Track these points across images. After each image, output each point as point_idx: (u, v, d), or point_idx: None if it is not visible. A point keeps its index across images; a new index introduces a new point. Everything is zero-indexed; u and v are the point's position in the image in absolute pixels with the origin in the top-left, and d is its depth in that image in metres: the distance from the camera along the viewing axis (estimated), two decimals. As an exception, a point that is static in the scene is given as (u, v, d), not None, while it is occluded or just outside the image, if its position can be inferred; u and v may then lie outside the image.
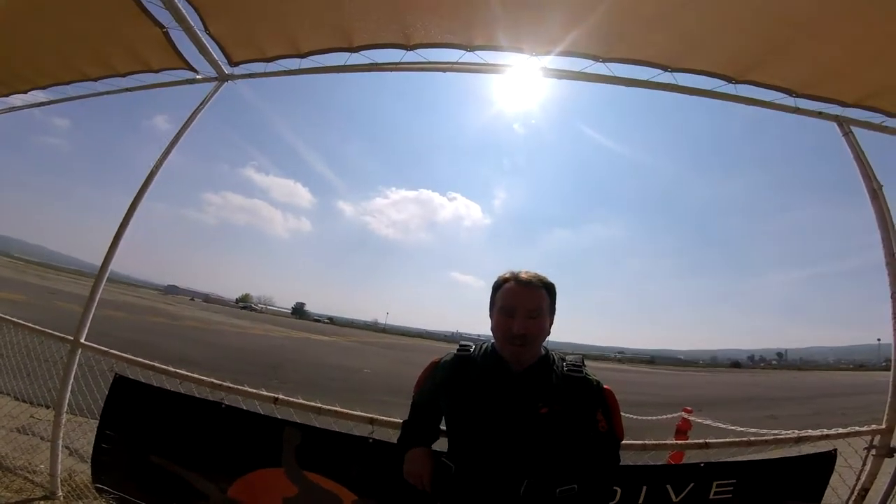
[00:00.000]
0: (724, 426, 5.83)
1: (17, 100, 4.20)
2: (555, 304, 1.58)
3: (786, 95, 2.65)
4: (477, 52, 2.66)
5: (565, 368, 1.54)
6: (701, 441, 2.51)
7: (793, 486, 2.47)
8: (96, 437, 2.63)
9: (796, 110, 2.75)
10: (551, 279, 1.59)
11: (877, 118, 2.72)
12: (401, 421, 1.97)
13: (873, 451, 2.60)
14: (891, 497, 2.61)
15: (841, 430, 2.64)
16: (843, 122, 2.83)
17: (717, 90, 2.66)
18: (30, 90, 3.81)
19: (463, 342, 1.69)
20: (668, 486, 2.26)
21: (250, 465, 2.37)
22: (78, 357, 2.97)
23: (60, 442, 2.92)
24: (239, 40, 2.86)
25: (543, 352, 1.58)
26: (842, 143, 2.87)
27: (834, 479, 2.55)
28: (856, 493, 2.61)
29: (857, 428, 2.66)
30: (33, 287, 29.24)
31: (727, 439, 2.56)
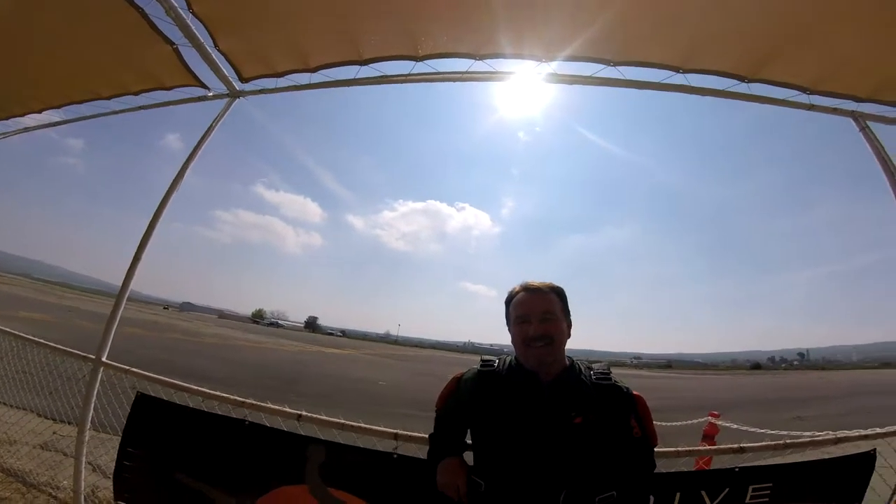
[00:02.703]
0: (751, 429, 5.69)
1: (31, 120, 4.26)
2: (567, 307, 1.62)
3: (799, 92, 2.62)
4: (486, 61, 2.65)
5: (594, 377, 1.54)
6: (735, 445, 2.43)
7: (832, 488, 2.40)
8: (118, 454, 2.63)
9: (811, 107, 2.71)
10: (566, 286, 1.62)
11: (893, 112, 2.68)
12: (426, 435, 1.94)
13: None
14: None
15: (879, 430, 2.57)
16: (858, 118, 2.78)
17: (730, 90, 2.63)
18: (43, 110, 3.85)
19: (485, 357, 1.70)
20: (703, 492, 2.20)
21: (274, 482, 2.35)
22: (100, 375, 2.98)
23: (84, 458, 2.93)
24: (249, 56, 2.88)
25: (568, 361, 1.58)
26: (858, 138, 2.83)
27: (874, 479, 2.48)
28: None
29: None
30: (53, 306, 29.93)
31: (762, 443, 2.48)
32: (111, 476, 2.69)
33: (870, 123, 2.79)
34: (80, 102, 3.57)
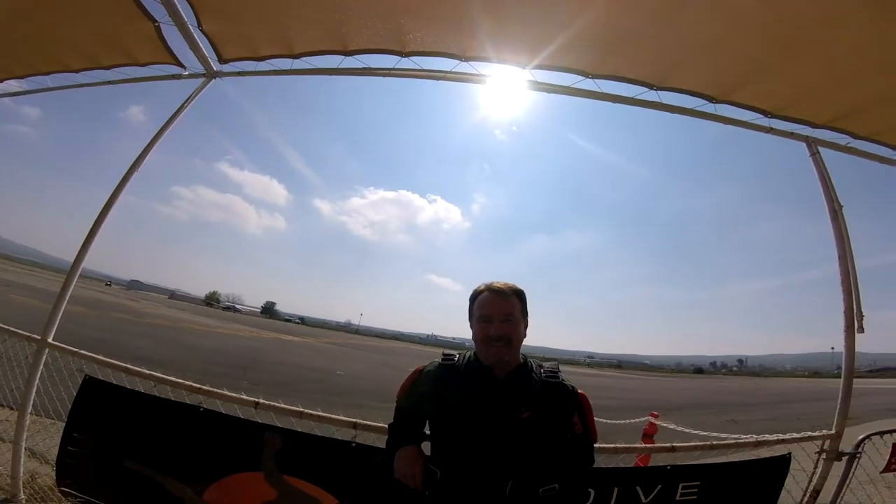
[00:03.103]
0: (687, 430, 6.10)
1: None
2: (526, 309, 1.71)
3: (761, 116, 2.79)
4: (471, 63, 2.70)
5: (543, 375, 1.64)
6: (668, 445, 2.63)
7: (752, 487, 2.62)
8: (62, 438, 2.52)
9: (770, 130, 2.90)
10: (528, 285, 1.73)
11: (843, 139, 2.88)
12: (385, 425, 2.00)
13: (824, 455, 2.75)
14: (840, 498, 2.77)
15: (795, 435, 2.80)
16: (811, 143, 2.97)
17: (698, 109, 2.78)
18: (4, 80, 3.64)
19: (447, 351, 1.78)
20: (638, 488, 2.37)
21: (228, 470, 2.33)
22: (45, 357, 2.84)
23: (24, 443, 2.79)
24: (232, 38, 2.82)
25: (522, 359, 1.68)
26: (809, 162, 3.01)
27: (788, 481, 2.71)
28: (808, 494, 2.75)
29: (810, 433, 2.81)
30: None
31: (692, 443, 2.70)
32: (52, 462, 2.60)
33: (821, 149, 2.98)
34: (47, 74, 3.39)
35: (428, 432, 1.74)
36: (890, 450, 2.87)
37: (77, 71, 3.29)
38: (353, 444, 2.29)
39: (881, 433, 2.85)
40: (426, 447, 1.72)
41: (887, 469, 2.88)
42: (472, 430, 1.53)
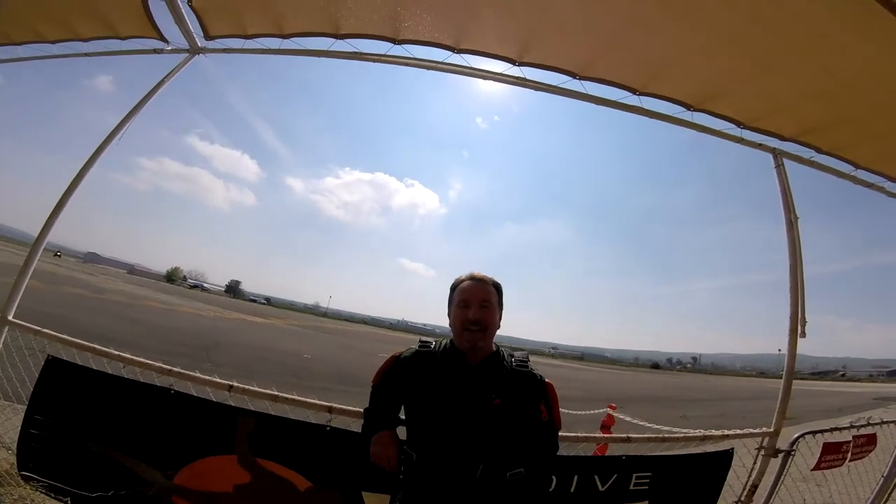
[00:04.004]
0: (642, 423, 6.43)
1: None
2: (502, 300, 1.80)
3: (734, 126, 2.94)
4: (462, 55, 2.73)
5: (514, 363, 1.72)
6: (624, 436, 2.79)
7: (698, 479, 2.79)
8: (24, 421, 2.44)
9: (741, 140, 3.05)
10: (499, 274, 1.83)
11: (807, 153, 3.05)
12: (360, 409, 2.05)
13: (762, 451, 2.91)
14: (774, 493, 2.95)
15: (738, 431, 2.97)
16: (777, 155, 3.12)
17: (676, 116, 2.90)
18: None
19: (423, 338, 1.84)
20: (596, 476, 2.49)
21: (200, 453, 2.32)
22: (4, 336, 2.72)
23: (-21, 427, 2.70)
24: (221, 14, 2.73)
25: (495, 348, 1.75)
26: (773, 173, 3.15)
27: (730, 476, 2.87)
28: (747, 489, 2.93)
29: (751, 430, 2.97)
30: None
31: (645, 435, 2.85)
32: (9, 446, 2.51)
33: (785, 161, 3.12)
34: (20, 44, 3.20)
35: (403, 417, 1.79)
36: (821, 449, 3.05)
37: (53, 42, 3.13)
38: (328, 428, 2.32)
39: (814, 432, 3.02)
40: (401, 432, 1.77)
41: (817, 467, 3.04)
42: (446, 416, 1.59)
